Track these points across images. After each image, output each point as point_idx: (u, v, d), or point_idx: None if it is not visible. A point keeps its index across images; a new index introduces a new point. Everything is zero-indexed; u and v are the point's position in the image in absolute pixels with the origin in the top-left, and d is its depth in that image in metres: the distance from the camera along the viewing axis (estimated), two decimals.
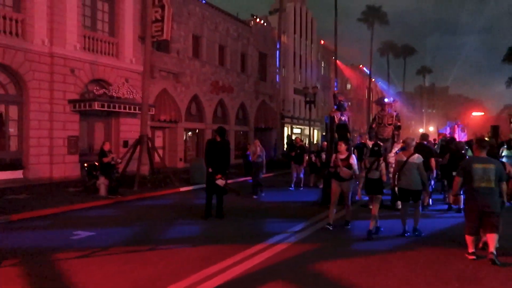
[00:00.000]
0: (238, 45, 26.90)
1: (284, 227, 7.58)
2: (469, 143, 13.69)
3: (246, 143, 23.84)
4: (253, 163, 12.19)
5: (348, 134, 10.07)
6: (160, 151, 21.51)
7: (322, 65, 42.86)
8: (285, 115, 33.34)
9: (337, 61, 45.37)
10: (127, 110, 16.65)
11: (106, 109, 15.44)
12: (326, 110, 38.49)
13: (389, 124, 9.66)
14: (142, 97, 14.35)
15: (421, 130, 67.15)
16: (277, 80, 26.28)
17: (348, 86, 52.72)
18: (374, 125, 9.95)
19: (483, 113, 79.82)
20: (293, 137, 34.65)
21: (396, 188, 7.04)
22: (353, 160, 7.42)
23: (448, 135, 28.11)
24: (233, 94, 26.35)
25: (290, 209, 9.73)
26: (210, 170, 8.19)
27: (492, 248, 5.37)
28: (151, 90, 19.48)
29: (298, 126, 36.17)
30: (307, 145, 21.36)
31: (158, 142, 21.48)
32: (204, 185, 8.77)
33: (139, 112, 17.55)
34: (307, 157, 13.95)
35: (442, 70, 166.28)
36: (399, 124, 9.69)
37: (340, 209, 8.13)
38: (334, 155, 7.72)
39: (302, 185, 13.55)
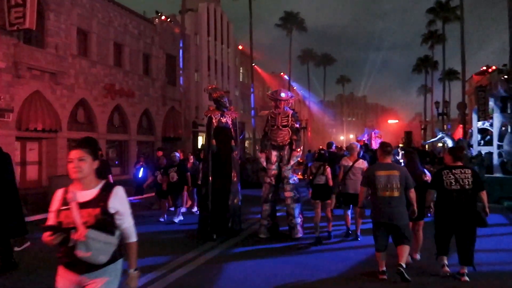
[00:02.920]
0: (140, 45, 23.79)
1: None
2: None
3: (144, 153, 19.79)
4: None
5: (233, 142, 7.68)
6: (35, 167, 17.73)
7: (241, 71, 41.03)
8: (199, 123, 30.57)
9: (258, 68, 44.08)
10: None
11: None
12: (245, 117, 36.54)
13: (284, 126, 7.39)
14: None
15: (342, 138, 68.58)
16: (181, 83, 23.51)
17: None
18: (266, 128, 7.66)
19: (397, 121, 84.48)
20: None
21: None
22: (122, 204, 2.49)
23: (366, 142, 27.71)
24: (134, 100, 23.12)
25: (149, 246, 7.03)
26: None
27: (401, 259, 4.83)
28: (16, 91, 15.78)
29: None
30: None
31: (33, 156, 17.61)
32: None
33: (1, 119, 13.91)
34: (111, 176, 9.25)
35: (360, 80, 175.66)
36: (297, 126, 7.50)
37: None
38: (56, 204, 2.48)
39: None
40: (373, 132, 30.71)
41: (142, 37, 23.96)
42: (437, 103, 36.41)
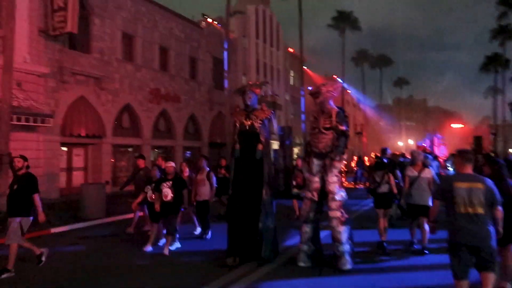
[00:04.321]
0: (185, 48, 23.34)
1: None
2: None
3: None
4: None
5: (260, 146, 6.28)
6: (81, 173, 17.65)
7: (291, 74, 39.68)
8: None
9: (308, 70, 42.56)
10: (14, 122, 12.70)
11: None
12: (295, 122, 35.15)
13: (327, 129, 5.98)
14: (2, 98, 10.41)
15: (400, 144, 64.64)
16: (226, 86, 22.61)
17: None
18: (310, 132, 6.35)
19: (462, 125, 78.29)
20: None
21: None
22: None
23: (428, 148, 25.32)
24: (180, 104, 22.66)
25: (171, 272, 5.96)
26: None
27: None
28: (61, 97, 15.69)
29: None
30: None
31: (78, 162, 17.54)
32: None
33: (37, 124, 13.78)
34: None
35: (419, 83, 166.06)
36: (343, 128, 6.04)
37: None
38: None
39: None
40: (435, 137, 28.09)
41: (188, 41, 23.52)
42: (510, 104, 32.63)
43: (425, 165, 7.03)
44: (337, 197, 5.85)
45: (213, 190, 8.26)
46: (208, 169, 8.38)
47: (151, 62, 20.68)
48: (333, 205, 5.82)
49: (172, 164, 7.25)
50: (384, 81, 59.98)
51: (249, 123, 6.30)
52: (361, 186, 21.48)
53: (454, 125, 74.09)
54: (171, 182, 6.95)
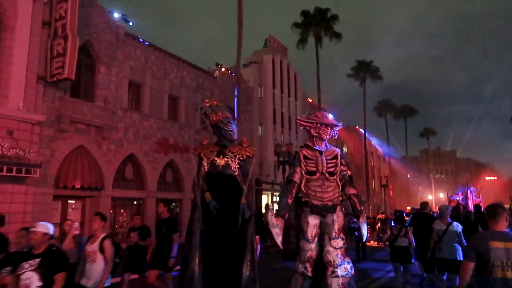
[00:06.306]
0: (197, 97, 22.60)
1: None
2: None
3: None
4: None
5: (244, 199, 4.62)
6: (78, 230, 16.25)
7: None
8: (262, 181, 28.16)
9: None
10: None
11: None
12: None
13: (332, 174, 4.40)
14: None
15: (430, 197, 60.97)
16: (235, 137, 21.45)
17: (345, 149, 48.01)
18: (295, 177, 4.64)
19: (495, 178, 73.87)
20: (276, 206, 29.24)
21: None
22: None
23: (461, 202, 22.93)
24: (190, 155, 21.48)
25: None
26: None
27: None
28: (58, 146, 14.79)
29: None
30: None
31: (74, 216, 16.21)
32: None
33: (26, 175, 12.74)
34: None
35: (447, 133, 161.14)
36: (349, 173, 4.50)
37: None
38: None
39: None
40: (468, 191, 25.74)
41: (200, 90, 22.86)
42: None
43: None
44: (340, 272, 4.13)
45: (109, 269, 5.19)
46: (104, 235, 5.32)
47: (160, 111, 19.91)
48: (334, 283, 4.09)
49: (41, 228, 4.16)
50: (409, 132, 57.91)
51: (222, 162, 4.65)
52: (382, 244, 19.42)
53: (488, 178, 70.03)
54: (38, 260, 3.99)
